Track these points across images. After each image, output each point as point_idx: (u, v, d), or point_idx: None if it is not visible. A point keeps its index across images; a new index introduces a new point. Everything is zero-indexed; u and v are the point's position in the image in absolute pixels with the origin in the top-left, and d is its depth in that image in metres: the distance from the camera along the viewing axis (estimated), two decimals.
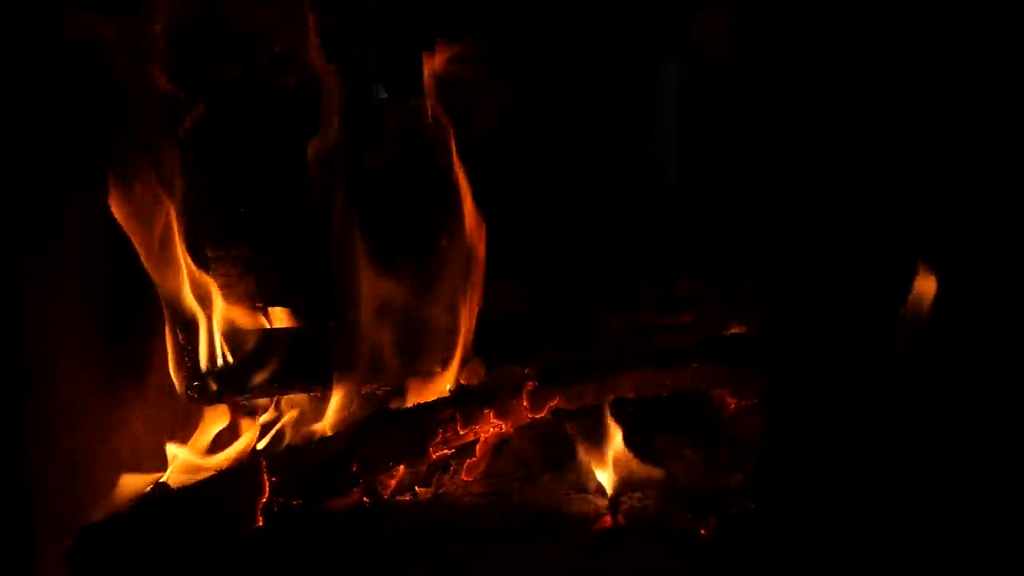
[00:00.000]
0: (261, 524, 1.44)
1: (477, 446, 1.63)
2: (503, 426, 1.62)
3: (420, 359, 1.71)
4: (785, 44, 1.92)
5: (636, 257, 1.94)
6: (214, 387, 1.64)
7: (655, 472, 1.61)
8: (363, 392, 1.72)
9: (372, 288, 1.68)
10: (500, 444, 1.66)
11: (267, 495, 1.44)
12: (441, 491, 1.63)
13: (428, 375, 1.71)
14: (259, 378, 1.66)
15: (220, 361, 1.65)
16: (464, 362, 1.74)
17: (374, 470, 1.55)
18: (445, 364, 1.72)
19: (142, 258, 1.57)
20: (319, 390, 1.68)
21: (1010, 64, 1.69)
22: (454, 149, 1.70)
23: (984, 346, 1.64)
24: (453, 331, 1.71)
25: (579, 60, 2.06)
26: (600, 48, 2.09)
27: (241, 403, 1.71)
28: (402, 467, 1.59)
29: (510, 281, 1.88)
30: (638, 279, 1.89)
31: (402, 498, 1.60)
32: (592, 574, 1.43)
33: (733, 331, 1.83)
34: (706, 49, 2.06)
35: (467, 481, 1.63)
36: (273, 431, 1.70)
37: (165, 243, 1.60)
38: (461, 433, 1.59)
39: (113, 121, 1.55)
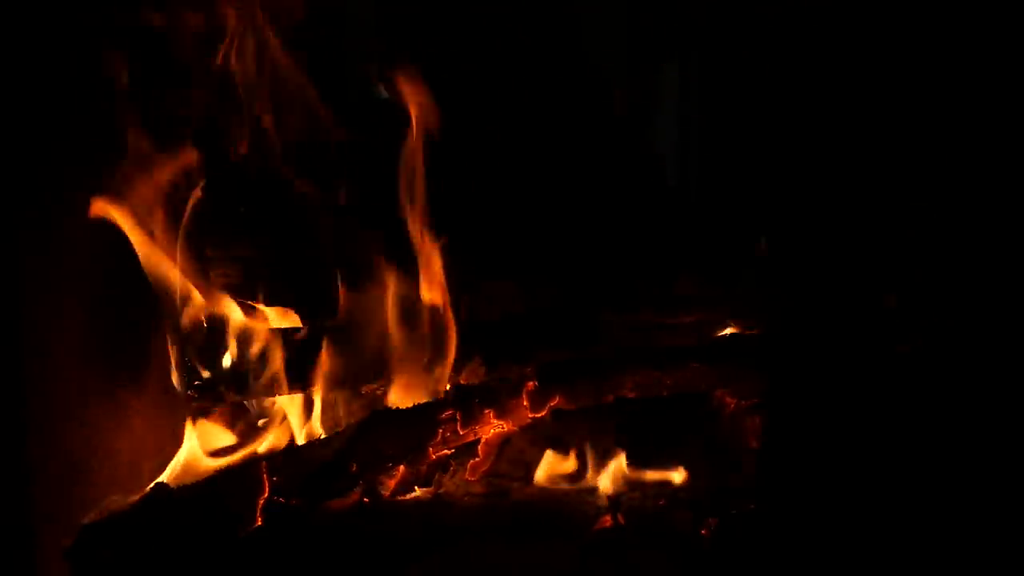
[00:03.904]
0: (261, 524, 1.44)
1: (480, 446, 1.62)
2: (505, 426, 1.62)
3: (410, 360, 1.72)
4: (786, 44, 1.92)
5: (636, 257, 1.94)
6: (214, 387, 1.65)
7: (655, 472, 1.61)
8: (363, 392, 1.72)
9: (361, 290, 1.68)
10: (503, 444, 1.66)
11: (267, 495, 1.44)
12: (441, 491, 1.63)
13: (419, 375, 1.71)
14: (259, 378, 1.66)
15: (220, 361, 1.65)
16: (456, 361, 1.74)
17: (374, 470, 1.55)
18: (435, 364, 1.72)
19: (141, 259, 1.57)
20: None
21: (1009, 66, 1.69)
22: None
23: (985, 345, 1.64)
24: (443, 331, 1.72)
25: (579, 60, 2.06)
26: (600, 48, 2.09)
27: (241, 403, 1.72)
28: (402, 467, 1.59)
29: (510, 281, 1.88)
30: (638, 279, 1.89)
31: (402, 498, 1.60)
32: (592, 574, 1.43)
33: (733, 331, 1.83)
34: (707, 48, 2.06)
35: (469, 481, 1.63)
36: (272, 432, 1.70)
37: (165, 243, 1.60)
38: (461, 433, 1.59)
39: (115, 124, 1.56)
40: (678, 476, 1.61)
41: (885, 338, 1.67)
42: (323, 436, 1.64)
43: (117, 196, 1.54)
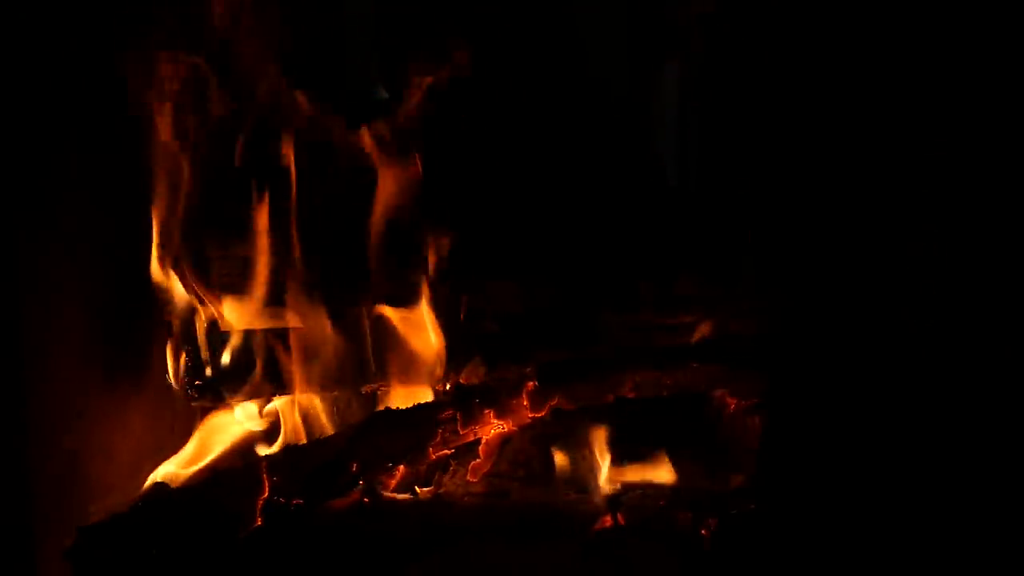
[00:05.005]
0: (261, 524, 1.44)
1: (480, 447, 1.63)
2: (505, 426, 1.62)
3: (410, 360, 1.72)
4: (786, 43, 1.92)
5: (636, 257, 1.94)
6: (215, 387, 1.65)
7: (655, 472, 1.61)
8: (363, 392, 1.73)
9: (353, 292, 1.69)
10: (503, 444, 1.66)
11: (267, 495, 1.44)
12: (441, 491, 1.63)
13: (419, 376, 1.72)
14: (259, 378, 1.66)
15: (220, 361, 1.65)
16: (456, 361, 1.74)
17: (374, 470, 1.55)
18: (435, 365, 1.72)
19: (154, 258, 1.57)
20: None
21: (1006, 65, 1.69)
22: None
23: (985, 345, 1.64)
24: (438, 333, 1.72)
25: (578, 59, 2.06)
26: (600, 48, 2.09)
27: (240, 403, 1.72)
28: (402, 467, 1.59)
29: (510, 281, 1.88)
30: (638, 279, 1.89)
31: (402, 498, 1.60)
32: (592, 574, 1.43)
33: (733, 331, 1.82)
34: (706, 48, 2.06)
35: (469, 481, 1.63)
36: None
37: (167, 243, 1.61)
38: (461, 433, 1.59)
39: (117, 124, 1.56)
40: (677, 475, 1.61)
41: (886, 338, 1.67)
42: (323, 436, 1.64)
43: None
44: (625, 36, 2.11)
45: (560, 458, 1.65)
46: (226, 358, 1.66)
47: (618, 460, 1.63)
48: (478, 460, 1.63)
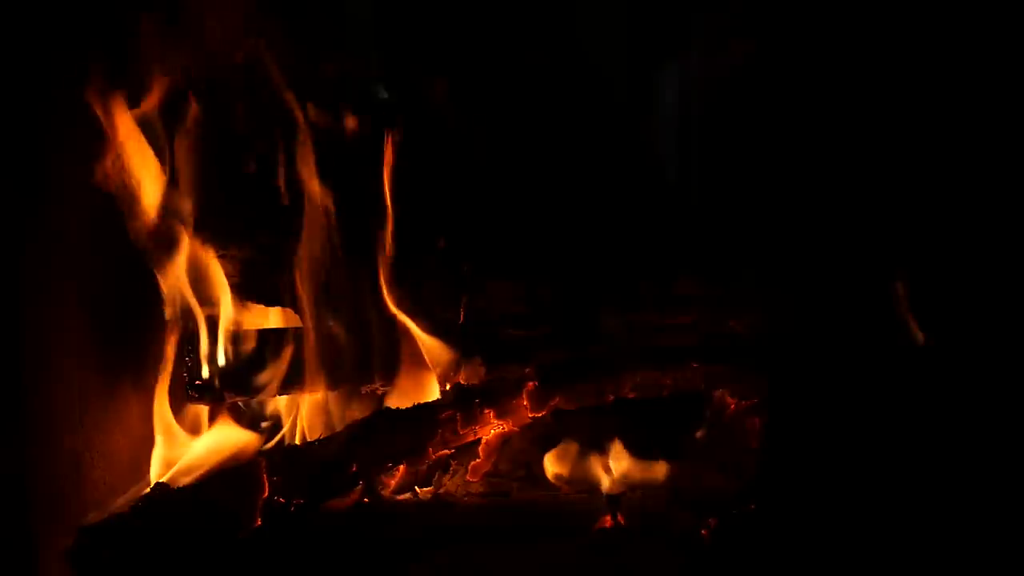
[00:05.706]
0: (261, 524, 1.44)
1: (480, 447, 1.63)
2: (505, 426, 1.62)
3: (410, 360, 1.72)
4: (786, 43, 1.92)
5: (636, 257, 1.94)
6: (215, 387, 1.65)
7: (655, 472, 1.61)
8: (363, 392, 1.73)
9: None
10: (503, 444, 1.66)
11: (267, 495, 1.44)
12: (441, 491, 1.63)
13: (419, 376, 1.72)
14: (260, 378, 1.66)
15: (222, 361, 1.65)
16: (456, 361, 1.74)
17: (374, 470, 1.55)
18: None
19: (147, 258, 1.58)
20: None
21: (1008, 66, 1.69)
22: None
23: (988, 346, 1.64)
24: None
25: (579, 60, 2.06)
26: (600, 48, 2.09)
27: (242, 403, 1.72)
28: (402, 467, 1.59)
29: (510, 281, 1.88)
30: (638, 279, 1.89)
31: (402, 498, 1.60)
32: (592, 574, 1.43)
33: (733, 331, 1.82)
34: (707, 49, 2.06)
35: (469, 481, 1.63)
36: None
37: (169, 243, 1.61)
38: (461, 433, 1.59)
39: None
40: (677, 475, 1.61)
41: (886, 337, 1.68)
42: (323, 436, 1.64)
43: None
44: (625, 36, 2.11)
45: (562, 457, 1.66)
46: (226, 358, 1.66)
47: (619, 460, 1.63)
48: (478, 460, 1.63)
